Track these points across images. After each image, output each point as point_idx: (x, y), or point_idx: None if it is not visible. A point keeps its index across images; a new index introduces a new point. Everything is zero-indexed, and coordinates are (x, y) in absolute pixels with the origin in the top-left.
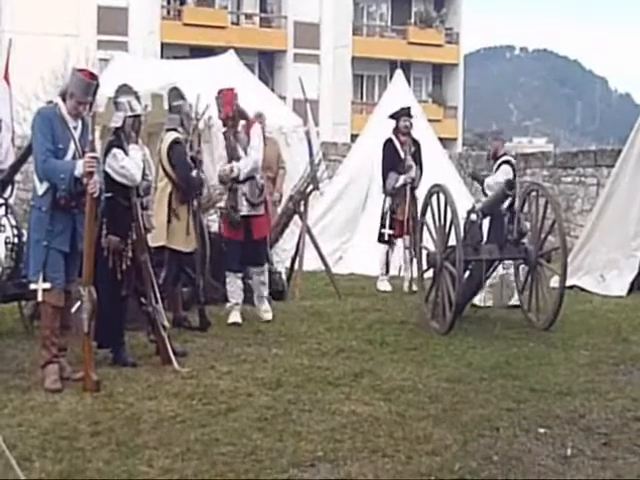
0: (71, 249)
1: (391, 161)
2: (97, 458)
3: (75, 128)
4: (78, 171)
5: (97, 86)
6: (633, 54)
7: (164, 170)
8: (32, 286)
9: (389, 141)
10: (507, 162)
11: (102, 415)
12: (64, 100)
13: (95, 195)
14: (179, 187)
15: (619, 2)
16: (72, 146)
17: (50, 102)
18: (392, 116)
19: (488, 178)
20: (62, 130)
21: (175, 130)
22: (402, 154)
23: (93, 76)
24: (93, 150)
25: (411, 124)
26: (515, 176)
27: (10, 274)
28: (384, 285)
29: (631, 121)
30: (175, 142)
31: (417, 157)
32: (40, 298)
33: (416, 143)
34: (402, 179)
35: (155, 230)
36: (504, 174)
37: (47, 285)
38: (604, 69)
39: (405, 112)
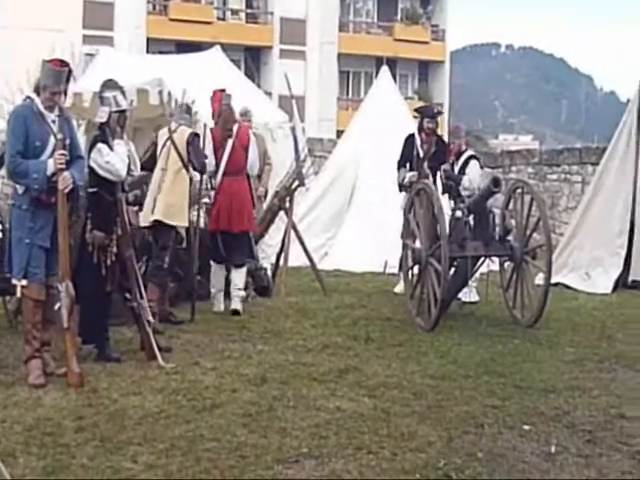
0: (52, 244)
1: (407, 156)
2: (81, 454)
3: (54, 122)
4: (50, 170)
5: (69, 72)
6: (618, 52)
7: (180, 157)
8: (14, 281)
9: (411, 136)
10: (473, 157)
11: (86, 411)
12: (38, 94)
13: (67, 191)
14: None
15: (605, 1)
16: (51, 140)
17: (27, 98)
18: (417, 110)
19: (464, 178)
20: (39, 126)
21: (188, 127)
22: (421, 153)
23: (63, 63)
24: (63, 147)
25: (436, 124)
26: (482, 167)
27: None
28: (400, 287)
29: (616, 119)
30: (195, 135)
31: (440, 157)
32: (19, 294)
33: (439, 143)
34: (408, 176)
35: (177, 212)
36: (476, 171)
37: (24, 282)
38: (589, 67)
39: (430, 114)
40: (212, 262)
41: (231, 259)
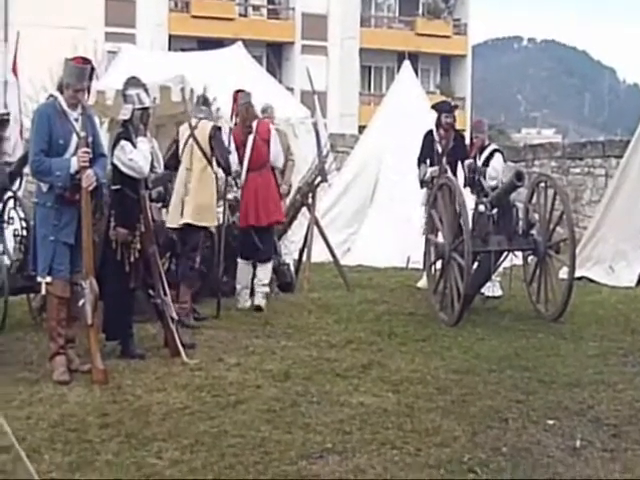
0: (76, 241)
1: (427, 153)
2: (106, 450)
3: (76, 120)
4: (73, 168)
5: (92, 70)
6: None
7: (204, 154)
8: (39, 278)
9: (429, 133)
10: (497, 150)
11: (111, 407)
12: (62, 92)
13: (90, 188)
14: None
15: None
16: (74, 138)
17: (50, 96)
18: (434, 107)
19: (489, 168)
20: (62, 124)
21: (208, 119)
22: (439, 149)
23: (86, 61)
24: (86, 145)
25: (454, 118)
26: (505, 161)
27: (19, 267)
28: (423, 282)
29: (639, 111)
30: (217, 128)
31: (458, 152)
32: (44, 291)
33: (457, 137)
34: (430, 172)
35: (207, 212)
36: (500, 163)
37: (49, 279)
38: (612, 59)
39: (446, 108)
40: (239, 259)
41: (257, 254)
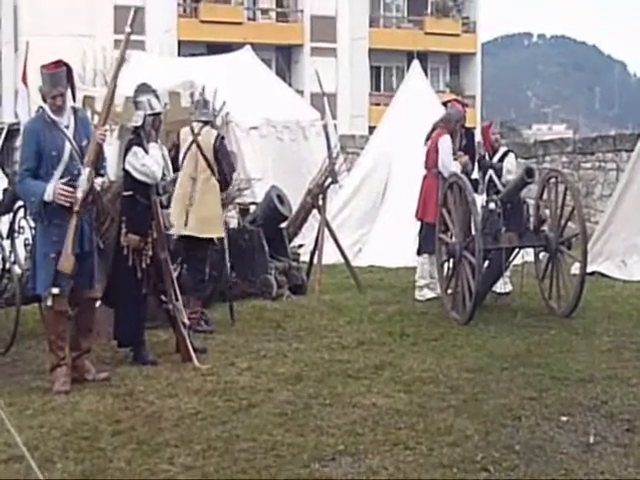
0: (80, 249)
1: None
2: (118, 457)
3: (67, 127)
4: (47, 197)
5: (69, 71)
6: None
7: (208, 164)
8: (42, 293)
9: None
10: (510, 151)
11: (123, 414)
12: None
13: (67, 204)
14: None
15: None
16: (67, 147)
17: (39, 109)
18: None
19: (505, 163)
20: (53, 135)
21: (210, 125)
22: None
23: (58, 65)
24: (81, 150)
25: (464, 118)
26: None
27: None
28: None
29: None
30: (222, 138)
31: (469, 148)
32: (50, 303)
33: (468, 135)
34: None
35: (209, 222)
36: (513, 163)
37: (56, 290)
38: (623, 53)
39: None
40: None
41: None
